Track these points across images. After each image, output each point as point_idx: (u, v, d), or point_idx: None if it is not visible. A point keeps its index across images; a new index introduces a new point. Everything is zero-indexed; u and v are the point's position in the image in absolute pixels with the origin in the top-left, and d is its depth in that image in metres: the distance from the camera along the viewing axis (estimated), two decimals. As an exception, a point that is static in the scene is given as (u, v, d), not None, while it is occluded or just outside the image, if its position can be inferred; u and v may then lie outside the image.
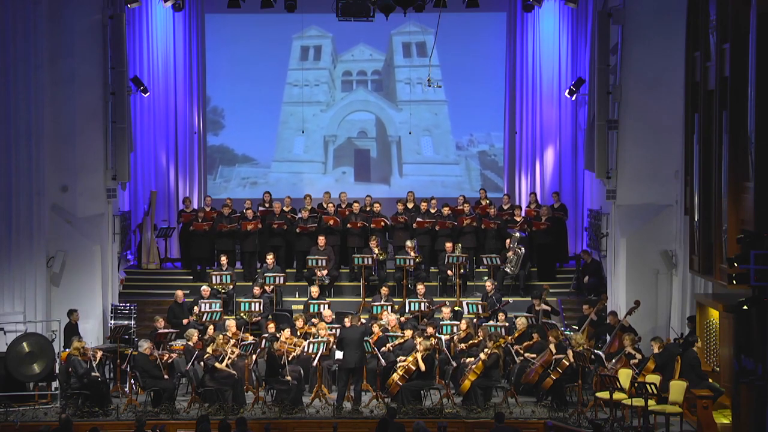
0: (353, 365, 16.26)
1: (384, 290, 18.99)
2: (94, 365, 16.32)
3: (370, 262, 19.84)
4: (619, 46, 18.69)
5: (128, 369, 16.72)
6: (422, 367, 16.20)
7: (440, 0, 19.09)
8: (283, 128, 23.65)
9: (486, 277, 19.81)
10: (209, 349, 16.39)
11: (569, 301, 20.13)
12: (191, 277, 21.06)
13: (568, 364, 16.14)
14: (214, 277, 19.44)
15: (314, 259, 19.77)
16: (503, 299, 18.83)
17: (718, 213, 14.95)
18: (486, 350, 16.37)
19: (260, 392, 16.54)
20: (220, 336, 16.64)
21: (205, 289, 18.98)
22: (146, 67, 22.20)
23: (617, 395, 15.19)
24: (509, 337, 17.31)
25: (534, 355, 16.89)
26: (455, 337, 17.34)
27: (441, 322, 17.88)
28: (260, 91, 23.49)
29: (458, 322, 17.80)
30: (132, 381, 16.66)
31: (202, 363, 16.34)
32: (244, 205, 21.13)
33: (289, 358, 16.63)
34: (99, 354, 16.60)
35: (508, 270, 19.95)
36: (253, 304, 18.36)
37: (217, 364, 16.18)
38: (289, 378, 16.22)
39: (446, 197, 22.03)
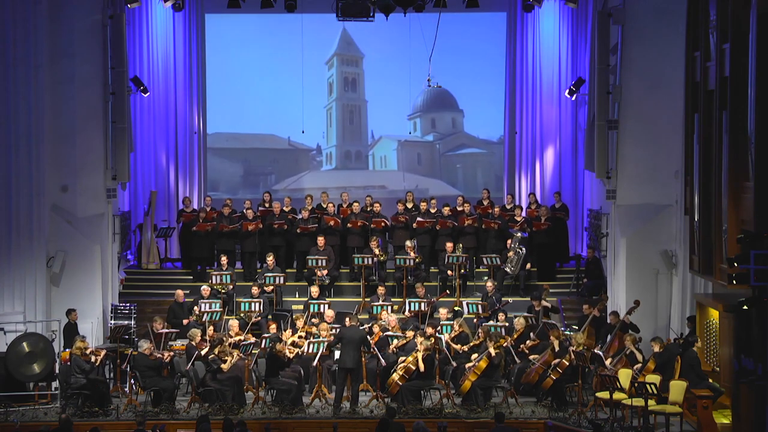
0: (351, 366, 16.25)
1: (380, 290, 18.99)
2: (95, 366, 16.29)
3: (370, 262, 19.84)
4: (619, 46, 18.69)
5: (128, 369, 16.72)
6: (421, 367, 16.20)
7: (440, 0, 19.12)
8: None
9: (486, 277, 19.81)
10: (216, 351, 16.38)
11: (569, 301, 20.13)
12: (191, 277, 21.06)
13: (568, 364, 16.14)
14: (214, 277, 19.44)
15: (314, 259, 19.77)
16: (503, 299, 18.83)
17: (718, 213, 14.95)
18: (489, 350, 16.36)
19: (260, 392, 16.54)
20: (224, 336, 16.66)
21: (205, 289, 18.98)
22: (146, 67, 22.19)
23: (617, 395, 15.18)
24: (509, 338, 17.31)
25: (536, 356, 16.90)
26: (446, 336, 17.33)
27: (441, 323, 17.88)
28: (259, 90, 23.53)
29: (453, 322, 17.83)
30: (132, 381, 16.66)
31: (206, 364, 16.34)
32: (243, 205, 21.13)
33: (291, 357, 16.64)
34: (101, 354, 16.56)
35: (508, 270, 19.95)
36: (252, 304, 18.36)
37: (223, 366, 16.18)
38: (286, 380, 16.23)
39: (444, 193, 22.07)
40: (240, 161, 24.07)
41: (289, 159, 24.12)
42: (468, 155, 24.03)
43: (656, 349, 16.01)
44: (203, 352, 16.38)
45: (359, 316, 18.47)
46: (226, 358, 16.32)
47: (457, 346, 17.25)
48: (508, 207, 21.34)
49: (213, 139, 23.66)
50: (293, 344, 17.03)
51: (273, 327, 17.56)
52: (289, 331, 17.35)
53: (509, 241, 20.10)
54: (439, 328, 17.59)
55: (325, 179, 23.41)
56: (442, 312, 18.14)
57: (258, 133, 23.91)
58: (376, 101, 23.88)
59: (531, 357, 16.96)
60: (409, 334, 17.14)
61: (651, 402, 14.86)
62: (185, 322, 18.17)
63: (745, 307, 13.08)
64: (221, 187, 23.45)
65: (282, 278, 19.51)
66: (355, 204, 21.05)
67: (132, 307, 18.58)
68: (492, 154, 23.84)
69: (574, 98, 22.07)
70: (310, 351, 16.72)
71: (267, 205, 21.33)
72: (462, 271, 19.92)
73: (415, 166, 24.03)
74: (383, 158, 24.13)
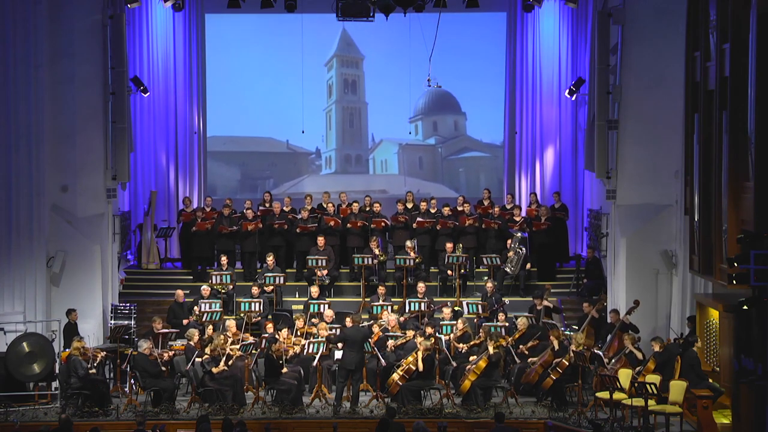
0: (353, 366, 16.25)
1: (381, 289, 18.99)
2: (94, 365, 16.30)
3: (370, 263, 19.84)
4: (619, 46, 18.69)
5: (128, 369, 16.72)
6: (420, 367, 16.20)
7: (440, 0, 19.12)
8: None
9: (486, 277, 19.81)
10: (207, 350, 16.39)
11: (569, 301, 20.13)
12: (191, 277, 21.06)
13: (568, 363, 16.15)
14: (214, 277, 19.43)
15: (314, 259, 19.77)
16: (503, 299, 18.82)
17: (718, 213, 14.95)
18: (488, 350, 16.36)
19: (260, 392, 16.54)
20: (221, 336, 16.64)
21: (205, 289, 18.97)
22: (146, 67, 22.20)
23: (617, 395, 15.19)
24: (509, 338, 17.32)
25: (534, 359, 16.89)
26: (451, 336, 17.35)
27: (441, 322, 17.88)
28: (258, 92, 23.50)
29: (456, 322, 17.81)
30: (132, 381, 16.66)
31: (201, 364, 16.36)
32: (244, 205, 21.13)
33: (288, 357, 16.64)
34: (100, 355, 16.59)
35: (508, 270, 19.95)
36: (252, 304, 18.36)
37: (214, 369, 16.16)
38: (285, 370, 16.21)
39: (447, 197, 22.04)
40: (237, 165, 24.01)
41: (287, 163, 24.04)
42: (471, 159, 23.95)
43: (656, 349, 16.01)
44: (198, 358, 16.36)
45: (362, 316, 18.48)
46: (220, 357, 16.27)
47: (459, 345, 17.26)
48: (508, 207, 21.34)
49: (210, 142, 23.59)
50: (287, 348, 16.99)
51: (270, 327, 17.55)
52: (285, 331, 17.33)
53: (509, 241, 20.10)
54: (439, 328, 17.60)
55: (324, 183, 23.17)
56: (446, 311, 18.11)
57: (256, 136, 23.85)
58: (376, 103, 23.80)
59: (529, 360, 16.93)
60: (409, 333, 17.14)
61: (651, 402, 14.86)
62: (185, 322, 18.17)
63: (745, 307, 13.07)
64: (219, 191, 23.31)
65: (282, 278, 19.51)
66: (355, 204, 21.04)
67: (132, 307, 18.58)
68: (495, 158, 23.74)
69: (574, 98, 22.07)
70: (310, 351, 16.72)
71: (267, 205, 21.32)
72: (462, 271, 19.92)
73: (417, 170, 23.95)
74: (384, 162, 24.08)
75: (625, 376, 15.53)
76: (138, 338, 17.42)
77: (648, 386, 14.65)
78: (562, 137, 22.96)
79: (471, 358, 16.73)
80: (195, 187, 23.40)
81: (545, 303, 18.45)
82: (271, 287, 19.41)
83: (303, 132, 23.33)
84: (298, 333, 17.61)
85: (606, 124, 18.84)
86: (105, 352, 16.92)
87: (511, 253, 19.93)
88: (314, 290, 19.08)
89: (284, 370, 16.28)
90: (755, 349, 13.42)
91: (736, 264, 13.03)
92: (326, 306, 18.40)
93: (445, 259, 19.85)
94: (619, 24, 18.61)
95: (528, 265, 20.29)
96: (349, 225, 20.74)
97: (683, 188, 17.21)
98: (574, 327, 18.43)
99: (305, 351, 16.85)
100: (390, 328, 17.57)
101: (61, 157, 18.85)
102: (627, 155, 18.69)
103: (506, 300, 18.94)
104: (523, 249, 19.98)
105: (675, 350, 16.08)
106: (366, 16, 18.85)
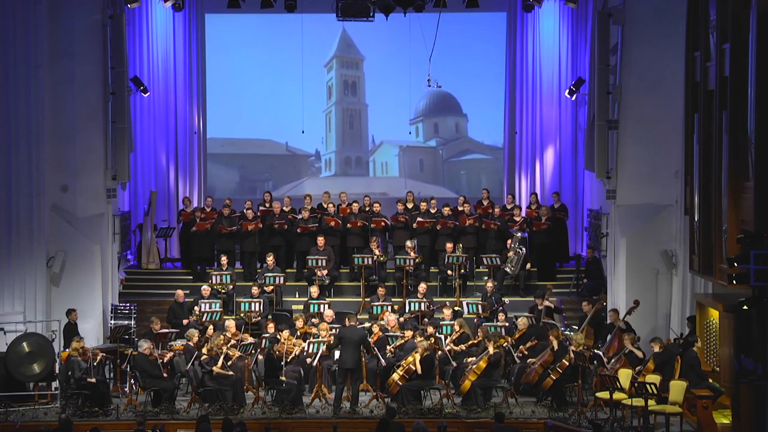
0: (351, 366, 16.24)
1: (381, 290, 18.99)
2: (94, 365, 16.30)
3: (370, 263, 19.84)
4: (619, 46, 18.70)
5: (128, 369, 16.72)
6: (418, 369, 16.18)
7: (440, 0, 19.13)
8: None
9: (486, 277, 19.81)
10: (204, 350, 16.39)
11: (569, 301, 20.13)
12: (191, 277, 21.06)
13: (568, 364, 16.15)
14: (214, 277, 19.44)
15: (314, 259, 19.77)
16: (503, 299, 18.82)
17: (718, 213, 14.95)
18: (488, 350, 16.36)
19: (260, 392, 16.53)
20: (221, 336, 16.64)
21: (205, 289, 18.98)
22: (146, 67, 22.20)
23: (617, 395, 15.19)
24: (509, 338, 17.32)
25: (533, 360, 16.88)
26: (447, 339, 17.33)
27: (441, 322, 17.88)
28: (258, 93, 23.48)
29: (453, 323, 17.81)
30: (132, 381, 16.66)
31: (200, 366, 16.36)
32: (244, 205, 21.13)
33: (289, 359, 16.64)
34: (99, 355, 16.59)
35: (508, 270, 19.95)
36: (252, 304, 18.36)
37: (215, 369, 16.16)
38: (284, 378, 16.22)
39: (447, 199, 22.03)
40: (236, 167, 23.96)
41: (287, 165, 23.98)
42: (472, 161, 23.91)
43: (656, 349, 16.01)
44: (197, 353, 16.36)
45: (359, 316, 18.47)
46: (218, 357, 16.26)
47: (457, 347, 17.25)
48: (509, 207, 21.34)
49: (210, 144, 23.54)
50: (288, 350, 16.98)
51: (270, 327, 17.55)
52: (286, 332, 17.33)
53: (509, 241, 20.10)
54: (439, 327, 17.59)
55: (324, 186, 22.90)
56: (446, 312, 18.10)
57: (255, 138, 23.81)
58: (376, 105, 23.76)
59: (529, 360, 16.93)
60: (408, 333, 17.13)
61: (651, 402, 14.86)
62: (185, 322, 18.17)
63: (745, 307, 13.07)
64: (218, 194, 23.22)
65: (282, 278, 19.51)
66: (355, 204, 21.04)
67: (132, 307, 18.59)
68: (497, 160, 23.67)
69: (574, 98, 22.07)
70: (311, 351, 16.72)
71: (267, 205, 21.32)
72: (462, 271, 19.92)
73: (417, 172, 23.87)
74: (384, 164, 24.02)
75: (625, 376, 15.53)
76: (138, 338, 17.42)
77: (648, 386, 14.65)
78: (562, 137, 22.96)
79: (470, 359, 16.73)
80: (195, 187, 23.40)
81: (546, 303, 18.46)
82: (271, 287, 19.41)
83: (303, 132, 23.28)
84: (298, 333, 17.60)
85: (606, 124, 18.85)
86: (103, 353, 16.91)
87: (511, 253, 19.93)
88: (314, 290, 19.08)
89: (282, 378, 16.25)
90: (755, 349, 13.42)
91: (736, 264, 13.03)
92: (326, 306, 18.41)
93: (445, 259, 19.86)
94: (619, 24, 18.61)
95: (528, 265, 20.29)
96: (349, 225, 20.74)
97: (683, 188, 17.21)
98: (574, 327, 18.43)
99: (305, 351, 16.84)
100: (390, 328, 17.57)
101: (61, 157, 18.86)
102: (627, 155, 18.69)
103: (506, 300, 18.96)
104: (523, 249, 19.98)
105: (675, 350, 16.08)
106: (366, 16, 18.86)
